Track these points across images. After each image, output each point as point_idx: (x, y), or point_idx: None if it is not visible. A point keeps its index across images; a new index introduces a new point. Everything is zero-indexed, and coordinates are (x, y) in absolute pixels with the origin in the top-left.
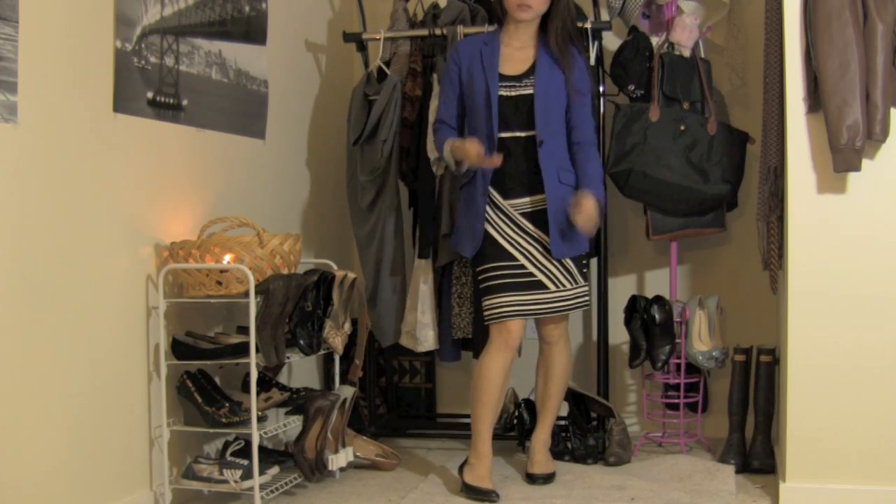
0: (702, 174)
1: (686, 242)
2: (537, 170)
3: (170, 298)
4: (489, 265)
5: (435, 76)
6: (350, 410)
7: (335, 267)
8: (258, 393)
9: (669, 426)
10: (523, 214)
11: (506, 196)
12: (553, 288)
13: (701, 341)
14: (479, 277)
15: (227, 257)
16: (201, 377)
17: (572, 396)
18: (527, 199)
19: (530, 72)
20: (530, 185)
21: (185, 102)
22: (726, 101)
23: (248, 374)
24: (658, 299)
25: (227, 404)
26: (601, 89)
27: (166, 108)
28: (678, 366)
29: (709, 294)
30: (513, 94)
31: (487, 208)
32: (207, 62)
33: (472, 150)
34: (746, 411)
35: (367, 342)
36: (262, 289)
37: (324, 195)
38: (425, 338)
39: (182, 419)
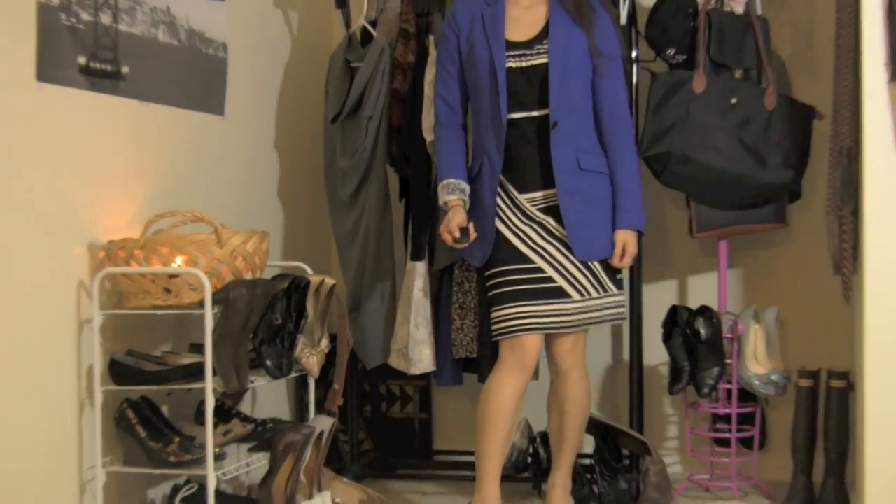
0: (757, 157)
1: (738, 241)
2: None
3: (107, 309)
4: (500, 269)
5: (431, 38)
6: (328, 446)
7: (310, 271)
8: (215, 425)
9: (718, 466)
10: (542, 210)
11: (521, 189)
12: (577, 297)
13: (757, 362)
14: (489, 284)
15: (178, 259)
16: (145, 406)
17: (599, 429)
18: (539, 194)
19: (543, 35)
20: (545, 176)
21: (125, 70)
22: (788, 67)
23: (202, 403)
24: (704, 311)
25: (177, 439)
26: (634, 54)
27: (103, 77)
28: (729, 392)
29: (766, 304)
30: (523, 64)
31: (499, 202)
32: (153, 21)
33: (445, 234)
34: (814, 449)
35: (348, 363)
36: (220, 297)
37: (296, 184)
38: (420, 357)
39: (121, 458)
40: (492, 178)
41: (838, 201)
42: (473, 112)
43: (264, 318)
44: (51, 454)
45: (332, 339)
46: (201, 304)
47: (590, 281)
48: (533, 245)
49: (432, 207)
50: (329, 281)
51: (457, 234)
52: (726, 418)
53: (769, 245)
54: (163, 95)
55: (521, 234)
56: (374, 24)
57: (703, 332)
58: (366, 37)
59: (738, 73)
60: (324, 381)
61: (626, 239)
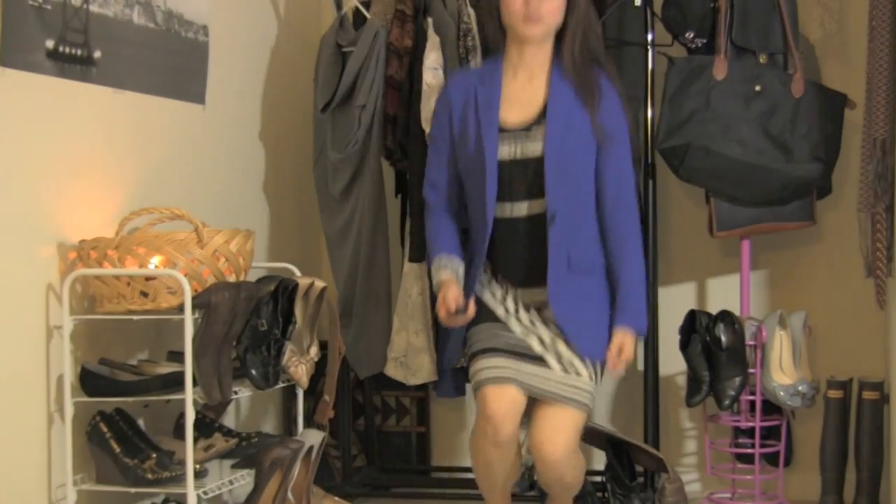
0: (783, 150)
1: (762, 241)
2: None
3: (78, 315)
4: (475, 327)
5: (430, 21)
6: (317, 462)
7: (298, 273)
8: (196, 439)
9: (741, 484)
10: (542, 305)
11: (521, 285)
12: (558, 368)
13: (783, 372)
14: (465, 346)
15: (155, 260)
16: (120, 419)
17: (611, 444)
18: (536, 290)
19: (542, 115)
20: (540, 274)
21: (97, 54)
22: (817, 51)
23: (182, 415)
24: (725, 316)
25: (154, 455)
26: (650, 38)
27: (72, 62)
28: (752, 404)
29: (793, 309)
30: (518, 155)
31: (494, 283)
32: (127, 2)
33: (441, 311)
34: (845, 466)
35: (340, 372)
36: (201, 302)
37: (284, 179)
38: (418, 366)
39: (94, 475)
40: (473, 279)
41: (871, 197)
42: (467, 198)
43: (249, 324)
44: (17, 472)
45: (323, 346)
46: (181, 309)
47: (580, 363)
48: (519, 319)
49: None
50: (319, 283)
51: (453, 308)
52: (749, 432)
53: (796, 245)
54: (138, 83)
55: (506, 305)
56: (367, 5)
57: (723, 338)
58: (359, 19)
59: (762, 58)
60: (313, 392)
61: (623, 341)
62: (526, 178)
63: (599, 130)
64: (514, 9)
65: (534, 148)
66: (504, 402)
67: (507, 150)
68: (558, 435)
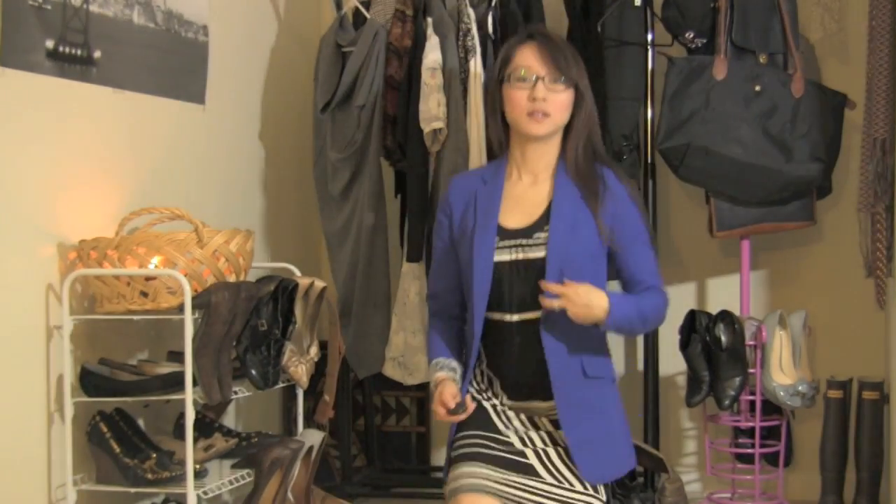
0: (783, 150)
1: (762, 240)
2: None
3: (78, 315)
4: (464, 433)
5: (429, 21)
6: (317, 462)
7: (298, 273)
8: (196, 440)
9: (741, 484)
10: (547, 419)
11: (517, 398)
12: (549, 479)
13: (783, 372)
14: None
15: (155, 260)
16: (120, 419)
17: None
18: (542, 405)
19: (545, 220)
20: (543, 388)
21: (97, 54)
22: (817, 52)
23: (181, 415)
24: (725, 316)
25: (155, 455)
26: (650, 38)
27: (72, 62)
28: (752, 404)
29: (793, 309)
30: (519, 256)
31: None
32: (127, 1)
33: (438, 409)
34: (845, 466)
35: (340, 372)
36: (201, 302)
37: (283, 178)
38: (416, 366)
39: (94, 475)
40: (465, 386)
41: (871, 197)
42: (470, 308)
43: (249, 324)
44: (17, 471)
45: (323, 346)
46: (180, 309)
47: (574, 475)
48: (513, 428)
49: (430, 203)
50: (319, 283)
51: (451, 405)
52: (749, 432)
53: (796, 245)
54: (138, 82)
55: (501, 414)
56: (367, 4)
57: (723, 338)
58: (358, 19)
59: (762, 58)
60: (313, 391)
61: (586, 297)
62: (526, 284)
63: (605, 232)
64: (519, 105)
65: (534, 254)
66: None
67: (506, 254)
68: None
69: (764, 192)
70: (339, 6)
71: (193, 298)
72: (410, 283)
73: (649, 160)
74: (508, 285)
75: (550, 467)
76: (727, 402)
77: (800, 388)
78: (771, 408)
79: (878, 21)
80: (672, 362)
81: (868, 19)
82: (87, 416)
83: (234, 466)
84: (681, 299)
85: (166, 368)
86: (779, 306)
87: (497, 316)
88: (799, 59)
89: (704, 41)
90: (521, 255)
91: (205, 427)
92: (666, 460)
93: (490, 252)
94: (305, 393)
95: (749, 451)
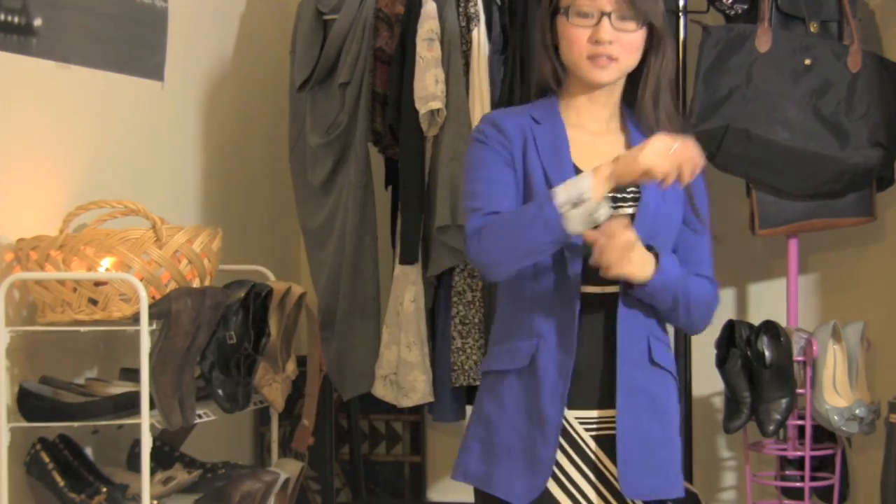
0: (838, 134)
1: (813, 239)
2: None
3: (16, 326)
4: None
5: None
6: (295, 497)
7: (272, 277)
8: (154, 471)
9: None
10: (596, 438)
11: (572, 402)
12: None
13: (837, 392)
14: None
15: (106, 262)
16: (65, 447)
17: None
18: (594, 414)
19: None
20: (604, 386)
21: (37, 22)
22: (877, 19)
23: (136, 443)
24: (769, 327)
25: (105, 489)
26: (681, 3)
27: (8, 31)
28: (801, 430)
29: (849, 320)
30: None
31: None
32: None
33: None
34: None
35: (321, 393)
36: (160, 311)
37: (255, 167)
38: (412, 386)
39: None
40: (555, 377)
41: None
42: (519, 279)
43: (215, 337)
44: None
45: (301, 362)
46: (135, 319)
47: None
48: (568, 487)
49: (426, 196)
50: (296, 289)
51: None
52: (798, 463)
53: (852, 244)
54: (85, 55)
55: (569, 488)
56: None
57: (767, 353)
58: None
59: (813, 27)
60: (290, 415)
61: (631, 238)
62: None
63: (695, 210)
64: (579, 46)
65: (623, 210)
66: None
67: None
68: None
69: (815, 182)
70: None
71: (151, 307)
72: (404, 289)
73: None
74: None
75: None
76: (772, 428)
77: (857, 411)
78: (823, 434)
79: None
80: (707, 381)
81: None
82: (27, 444)
83: (197, 502)
84: (717, 308)
85: (119, 388)
86: (832, 316)
87: (587, 289)
88: (856, 27)
89: (745, 7)
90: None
91: (164, 457)
92: (700, 495)
93: None
94: (281, 417)
95: (798, 484)
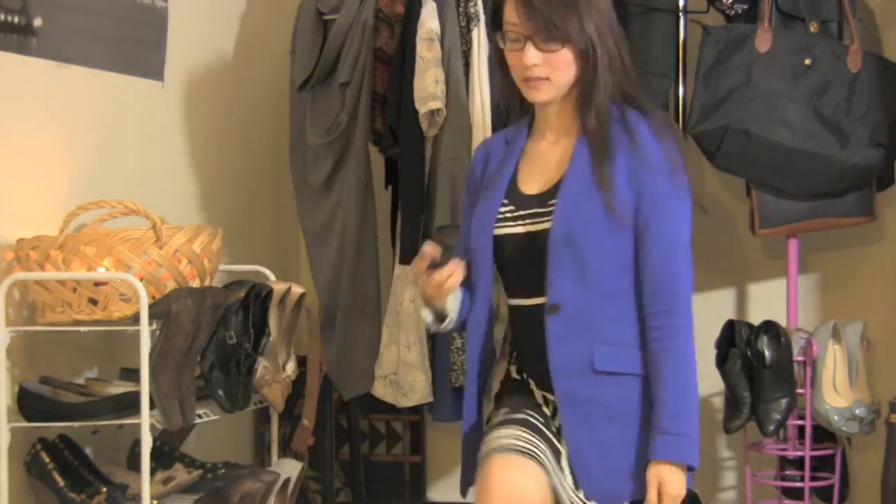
0: (838, 134)
1: (813, 239)
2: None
3: (16, 326)
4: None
5: None
6: (295, 497)
7: (272, 277)
8: (154, 471)
9: None
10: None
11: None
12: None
13: (837, 392)
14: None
15: (106, 262)
16: (65, 447)
17: None
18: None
19: (555, 186)
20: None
21: (37, 23)
22: (877, 19)
23: (136, 443)
24: (769, 327)
25: (105, 489)
26: (681, 3)
27: (9, 31)
28: (801, 430)
29: (849, 319)
30: (530, 227)
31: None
32: None
33: (416, 268)
34: None
35: (321, 393)
36: (160, 311)
37: (255, 167)
38: (412, 386)
39: None
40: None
41: None
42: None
43: (215, 337)
44: None
45: (301, 362)
46: (135, 319)
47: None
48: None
49: (426, 196)
50: (297, 289)
51: (427, 258)
52: (798, 463)
53: (852, 244)
54: (86, 55)
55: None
56: None
57: (767, 353)
58: None
59: (813, 27)
60: (290, 415)
61: (662, 476)
62: (537, 260)
63: (617, 203)
64: (515, 69)
65: (542, 225)
66: (517, 476)
67: (509, 224)
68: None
69: (815, 182)
70: None
71: (151, 307)
72: (404, 289)
73: None
74: (517, 261)
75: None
76: (772, 428)
77: (857, 411)
78: (823, 434)
79: None
80: (707, 381)
81: None
82: (27, 445)
83: (197, 502)
84: (718, 308)
85: (119, 388)
86: (832, 316)
87: (517, 301)
88: (856, 27)
89: (745, 7)
90: (532, 226)
91: (164, 456)
92: (700, 495)
93: (491, 220)
94: (281, 417)
95: (798, 484)
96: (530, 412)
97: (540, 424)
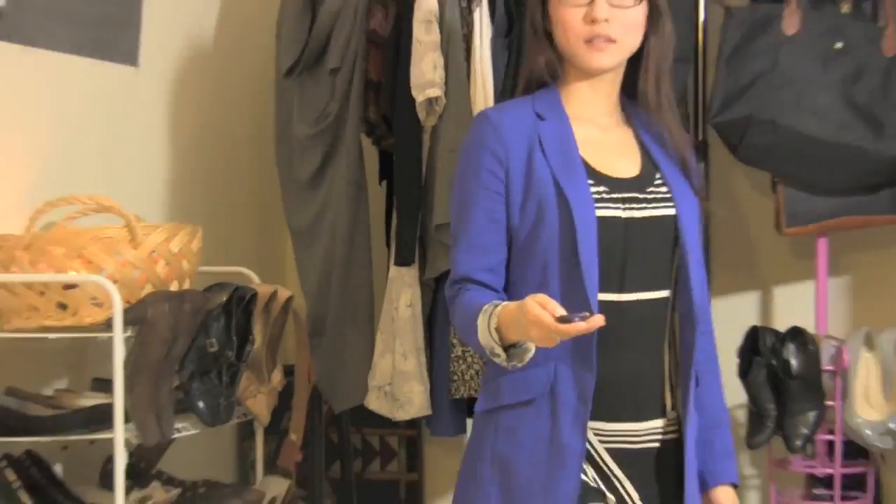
0: (873, 123)
1: (844, 239)
2: (661, 368)
3: None
4: None
5: None
6: None
7: (256, 279)
8: (128, 490)
9: None
10: (624, 455)
11: (600, 416)
12: None
13: (870, 405)
14: None
15: (76, 263)
16: (32, 464)
17: None
18: (638, 427)
19: (653, 171)
20: (644, 400)
21: (1, 2)
22: None
23: (110, 460)
24: (796, 334)
25: None
26: None
27: None
28: (831, 445)
29: (883, 326)
30: (637, 214)
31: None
32: None
33: (544, 318)
34: None
35: (310, 405)
36: (135, 316)
37: (237, 161)
38: (407, 398)
39: None
40: (573, 401)
41: None
42: (525, 289)
43: (195, 345)
44: None
45: (289, 372)
46: (108, 325)
47: None
48: None
49: (424, 192)
50: (283, 293)
51: (556, 311)
52: (827, 481)
53: (888, 245)
54: (53, 38)
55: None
56: None
57: (794, 363)
58: None
59: (845, 7)
60: (276, 429)
61: (732, 497)
62: (647, 251)
63: (703, 200)
64: (574, 28)
65: (659, 212)
66: None
67: (613, 209)
68: None
69: (847, 176)
70: None
71: (125, 312)
72: (400, 293)
73: (701, 137)
74: (615, 252)
75: None
76: (799, 443)
77: (891, 425)
78: (855, 450)
79: None
80: (729, 392)
81: None
82: None
83: None
84: (741, 314)
85: (90, 400)
86: (865, 322)
87: (612, 297)
88: (892, 7)
89: None
90: (637, 212)
91: (139, 474)
92: None
93: (589, 204)
94: (266, 431)
95: (828, 503)
96: None
97: None
